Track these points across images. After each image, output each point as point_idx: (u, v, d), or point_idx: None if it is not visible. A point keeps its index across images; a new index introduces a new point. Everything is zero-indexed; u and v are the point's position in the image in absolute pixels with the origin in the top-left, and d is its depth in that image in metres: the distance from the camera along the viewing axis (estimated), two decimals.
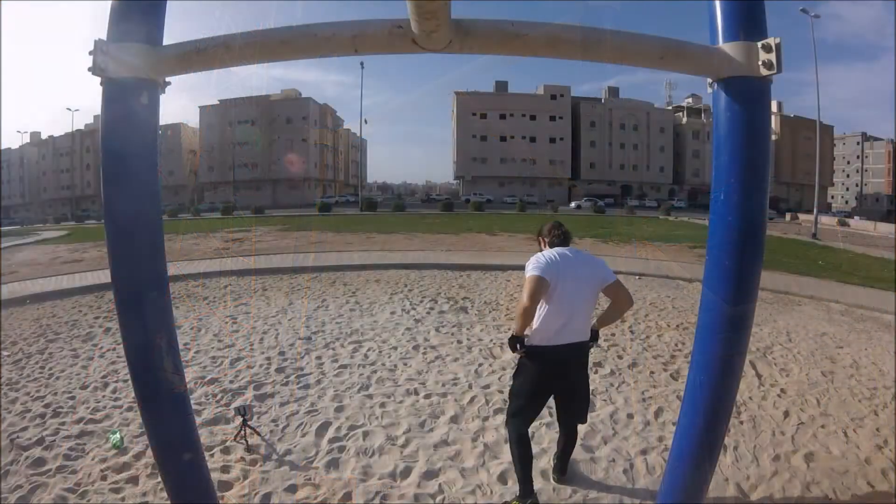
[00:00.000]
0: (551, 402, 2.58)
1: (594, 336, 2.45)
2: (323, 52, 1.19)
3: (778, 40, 1.14)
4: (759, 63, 1.15)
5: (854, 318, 6.78)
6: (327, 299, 7.22)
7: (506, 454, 2.92)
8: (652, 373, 4.36)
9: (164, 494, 2.19)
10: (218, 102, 61.52)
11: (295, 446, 3.07)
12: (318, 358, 4.66)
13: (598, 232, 19.19)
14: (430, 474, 2.78)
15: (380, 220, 25.62)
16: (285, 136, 59.03)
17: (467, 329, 5.64)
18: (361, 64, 46.46)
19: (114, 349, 4.94)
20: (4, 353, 4.93)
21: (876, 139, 77.94)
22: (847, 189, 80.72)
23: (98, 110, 1.23)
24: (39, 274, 10.02)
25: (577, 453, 2.99)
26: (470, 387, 3.98)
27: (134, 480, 2.71)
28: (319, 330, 5.61)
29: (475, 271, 9.59)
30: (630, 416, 3.51)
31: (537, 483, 2.68)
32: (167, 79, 1.27)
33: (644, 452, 3.02)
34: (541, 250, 2.53)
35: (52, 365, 4.53)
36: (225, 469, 2.82)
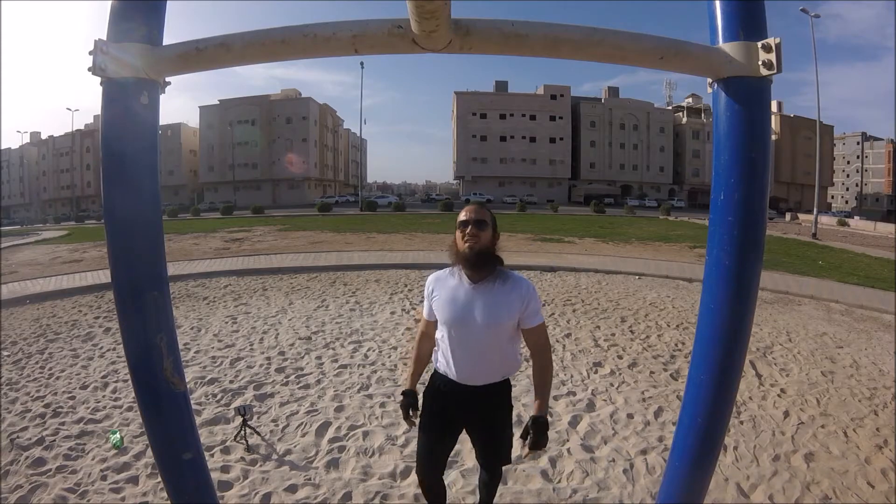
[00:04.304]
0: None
1: None
2: (323, 53, 1.19)
3: (778, 40, 1.13)
4: (759, 63, 1.14)
5: (854, 318, 6.78)
6: (327, 299, 7.22)
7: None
8: (652, 373, 4.36)
9: (164, 494, 2.19)
10: (218, 102, 61.62)
11: (295, 446, 3.07)
12: (319, 358, 4.66)
13: (598, 231, 19.20)
14: None
15: (380, 219, 25.61)
16: (285, 136, 59.10)
17: None
18: (361, 64, 46.47)
19: (114, 349, 4.94)
20: (4, 353, 4.93)
21: (876, 139, 77.97)
22: (847, 189, 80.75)
23: (98, 110, 1.23)
24: (39, 274, 10.02)
25: (578, 453, 2.99)
26: None
27: (134, 480, 2.71)
28: (319, 330, 5.61)
29: None
30: (630, 416, 3.51)
31: (538, 483, 2.69)
32: (167, 79, 1.27)
33: (644, 452, 3.02)
34: (495, 245, 1.91)
35: (52, 365, 4.53)
36: (225, 469, 2.82)
